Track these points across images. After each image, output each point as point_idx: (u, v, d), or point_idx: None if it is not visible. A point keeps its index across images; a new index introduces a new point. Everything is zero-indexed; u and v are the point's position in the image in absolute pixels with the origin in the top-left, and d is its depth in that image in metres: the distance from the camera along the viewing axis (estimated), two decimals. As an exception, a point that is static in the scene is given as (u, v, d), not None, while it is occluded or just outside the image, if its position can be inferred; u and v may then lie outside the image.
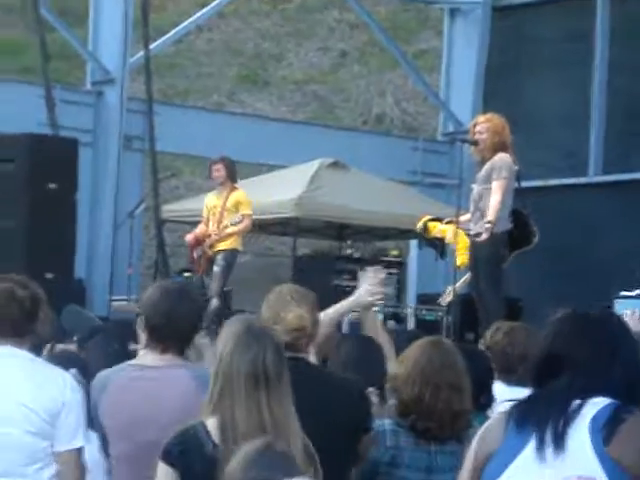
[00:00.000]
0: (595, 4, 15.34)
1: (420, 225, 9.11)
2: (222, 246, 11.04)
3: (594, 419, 2.80)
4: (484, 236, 8.18)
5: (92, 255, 14.03)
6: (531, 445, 2.81)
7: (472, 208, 8.52)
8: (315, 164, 14.23)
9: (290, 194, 13.66)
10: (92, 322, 10.35)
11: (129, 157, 14.40)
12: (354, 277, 14.92)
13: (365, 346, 4.75)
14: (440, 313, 11.99)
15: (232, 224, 10.98)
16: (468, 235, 8.60)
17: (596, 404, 2.84)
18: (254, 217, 14.57)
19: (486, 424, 2.98)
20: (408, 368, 3.99)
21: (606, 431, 2.77)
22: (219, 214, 11.01)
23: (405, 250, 15.67)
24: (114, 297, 12.43)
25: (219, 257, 10.96)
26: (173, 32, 15.68)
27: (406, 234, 13.86)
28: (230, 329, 3.37)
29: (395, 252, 14.70)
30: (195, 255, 11.21)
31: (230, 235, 10.99)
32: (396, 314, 12.65)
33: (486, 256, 8.29)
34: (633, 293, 11.86)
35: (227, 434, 3.23)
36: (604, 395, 2.85)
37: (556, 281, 13.84)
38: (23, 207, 12.11)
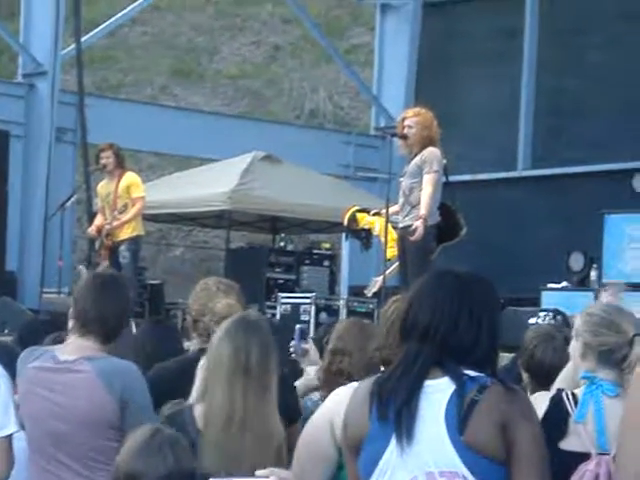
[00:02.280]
0: (524, 2, 15.58)
1: (348, 215, 9.17)
2: (123, 235, 10.77)
3: (448, 406, 2.76)
4: (419, 231, 8.24)
5: (23, 247, 13.95)
6: (394, 438, 2.76)
7: (401, 201, 8.60)
8: (248, 157, 14.29)
9: (223, 187, 13.71)
10: (23, 315, 10.31)
11: (61, 149, 14.33)
12: (287, 269, 14.96)
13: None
14: (371, 305, 12.14)
15: (120, 213, 10.69)
16: (396, 228, 8.69)
17: (448, 385, 2.78)
18: (188, 210, 14.66)
19: (350, 401, 2.89)
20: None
21: (460, 418, 2.73)
22: (112, 202, 10.78)
23: (337, 243, 15.80)
24: (45, 290, 12.37)
25: (122, 248, 10.71)
26: (105, 24, 15.63)
27: (338, 227, 13.95)
28: (226, 322, 3.46)
29: (327, 245, 14.81)
30: (97, 246, 11.00)
31: (126, 223, 10.74)
32: (328, 306, 12.76)
33: (414, 248, 8.38)
34: (559, 285, 12.12)
35: (207, 421, 3.31)
36: (455, 362, 2.79)
37: (483, 274, 14.04)
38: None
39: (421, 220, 8.25)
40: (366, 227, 9.04)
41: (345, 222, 9.24)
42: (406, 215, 8.49)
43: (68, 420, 3.68)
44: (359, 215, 9.11)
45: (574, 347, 3.51)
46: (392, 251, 8.74)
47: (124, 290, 3.93)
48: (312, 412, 3.90)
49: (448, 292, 2.88)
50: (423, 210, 8.28)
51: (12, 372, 4.12)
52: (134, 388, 3.79)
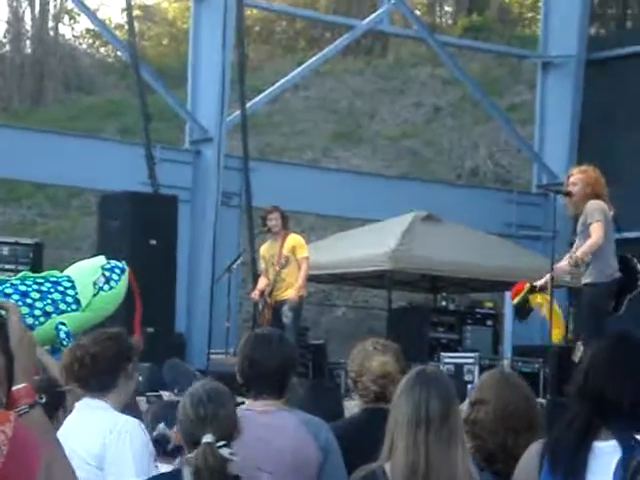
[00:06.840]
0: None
1: (520, 297, 9.09)
2: (285, 295, 10.87)
3: (616, 469, 2.78)
4: (562, 265, 8.26)
5: (191, 309, 14.29)
6: None
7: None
8: (409, 217, 14.35)
9: (384, 247, 13.78)
10: (192, 375, 10.55)
11: (226, 213, 14.69)
12: (450, 329, 14.85)
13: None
14: (537, 365, 11.94)
15: (281, 267, 10.76)
16: (561, 306, 8.65)
17: (617, 448, 2.80)
18: (349, 270, 14.79)
19: (521, 462, 2.99)
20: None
21: None
22: (277, 262, 10.88)
23: (499, 301, 15.65)
24: (212, 351, 12.62)
25: (285, 308, 10.79)
26: (269, 91, 16.01)
27: (501, 285, 13.86)
28: (404, 378, 3.44)
29: (490, 304, 14.68)
30: (260, 307, 11.10)
31: (301, 288, 10.79)
32: (492, 366, 12.60)
33: (588, 306, 8.31)
34: None
35: (394, 477, 3.32)
36: (626, 426, 2.82)
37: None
38: (126, 263, 12.45)
39: (568, 259, 8.23)
40: (533, 307, 9.01)
41: (515, 302, 9.20)
42: (585, 271, 8.41)
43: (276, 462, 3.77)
44: (531, 297, 9.06)
45: None
46: (557, 332, 8.68)
47: (287, 347, 4.01)
48: None
49: (626, 360, 2.95)
50: (578, 253, 8.22)
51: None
52: (333, 441, 3.87)
